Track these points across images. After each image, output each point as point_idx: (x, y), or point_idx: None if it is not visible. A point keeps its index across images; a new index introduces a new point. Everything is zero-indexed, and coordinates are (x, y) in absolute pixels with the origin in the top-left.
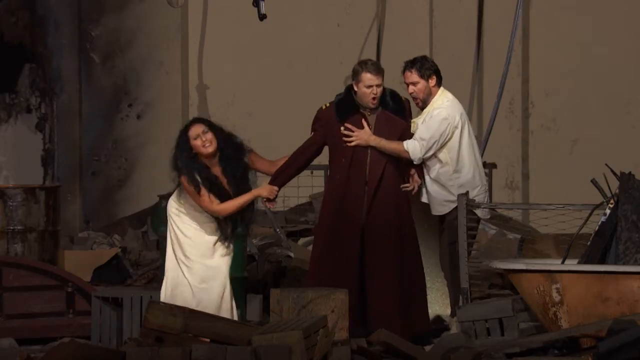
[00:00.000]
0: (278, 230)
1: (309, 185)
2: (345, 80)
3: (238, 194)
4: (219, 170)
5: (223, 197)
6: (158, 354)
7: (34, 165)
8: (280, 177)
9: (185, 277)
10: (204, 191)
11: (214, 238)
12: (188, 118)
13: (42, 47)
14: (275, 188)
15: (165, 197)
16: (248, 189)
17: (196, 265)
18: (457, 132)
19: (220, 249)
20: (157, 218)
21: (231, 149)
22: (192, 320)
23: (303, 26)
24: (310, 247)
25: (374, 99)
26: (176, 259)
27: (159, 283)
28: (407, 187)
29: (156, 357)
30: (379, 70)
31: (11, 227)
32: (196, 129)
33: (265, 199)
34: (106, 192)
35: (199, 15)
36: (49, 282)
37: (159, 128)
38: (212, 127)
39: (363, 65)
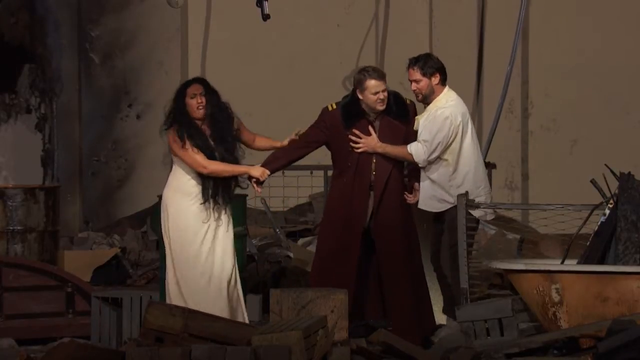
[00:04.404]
0: (277, 230)
1: (308, 185)
2: (345, 81)
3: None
4: (208, 133)
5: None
6: (158, 354)
7: (33, 165)
8: (275, 163)
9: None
10: (188, 145)
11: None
12: None
13: (41, 48)
14: (267, 171)
15: None
16: (235, 162)
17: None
18: (460, 132)
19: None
20: (156, 218)
21: (223, 116)
22: (192, 320)
23: (303, 26)
24: (309, 248)
25: (382, 103)
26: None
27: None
28: (410, 199)
29: (156, 357)
30: (382, 75)
31: (11, 228)
32: (195, 89)
33: (254, 180)
34: (106, 193)
35: (199, 15)
36: (48, 283)
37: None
38: (208, 91)
39: (365, 72)
